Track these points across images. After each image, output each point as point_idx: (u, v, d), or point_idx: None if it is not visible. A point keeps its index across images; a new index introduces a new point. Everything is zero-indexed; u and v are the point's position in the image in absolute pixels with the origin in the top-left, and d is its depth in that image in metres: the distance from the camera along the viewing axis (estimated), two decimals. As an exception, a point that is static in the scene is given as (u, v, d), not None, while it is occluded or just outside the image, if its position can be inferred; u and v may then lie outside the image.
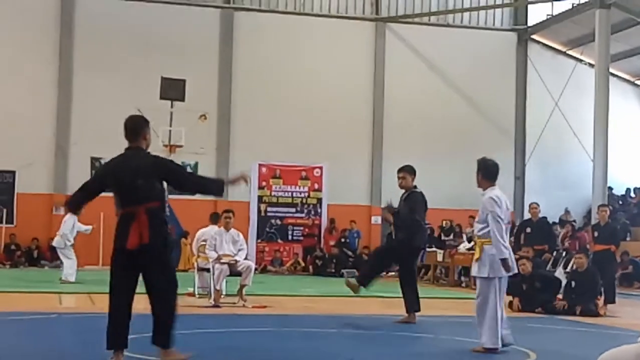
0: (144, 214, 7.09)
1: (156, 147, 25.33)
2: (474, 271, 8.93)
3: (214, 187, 7.85)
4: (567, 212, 29.18)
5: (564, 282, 14.76)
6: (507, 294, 14.67)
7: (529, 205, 18.31)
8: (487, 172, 8.98)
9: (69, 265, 19.11)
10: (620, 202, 30.67)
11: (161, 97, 25.43)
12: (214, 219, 16.16)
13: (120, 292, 7.19)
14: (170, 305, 7.28)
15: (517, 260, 14.92)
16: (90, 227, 20.26)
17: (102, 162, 27.31)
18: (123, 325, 7.11)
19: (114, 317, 7.13)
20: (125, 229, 7.14)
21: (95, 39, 27.96)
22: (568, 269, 17.54)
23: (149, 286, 7.22)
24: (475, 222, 9.25)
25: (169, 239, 7.49)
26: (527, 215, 21.19)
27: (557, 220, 27.17)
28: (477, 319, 8.70)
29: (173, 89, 25.54)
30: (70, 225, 19.35)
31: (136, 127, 7.38)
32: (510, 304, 14.64)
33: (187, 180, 7.61)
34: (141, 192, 7.14)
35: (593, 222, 19.83)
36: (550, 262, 19.12)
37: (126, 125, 7.38)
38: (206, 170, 28.62)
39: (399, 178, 11.89)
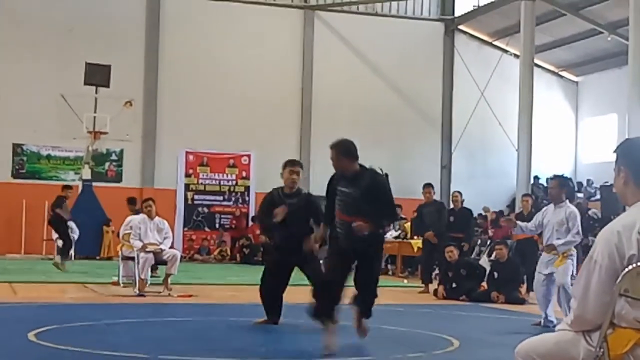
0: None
1: (80, 134, 25.09)
2: None
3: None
4: (485, 210, 28.12)
5: (488, 269, 14.95)
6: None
7: (452, 194, 18.47)
8: None
9: None
10: (545, 192, 31.04)
11: (85, 83, 25.06)
12: (132, 202, 17.38)
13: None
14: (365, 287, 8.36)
15: (444, 248, 15.18)
16: None
17: (24, 148, 27.20)
18: (336, 299, 8.16)
19: (328, 292, 8.20)
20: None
21: (17, 24, 27.30)
22: (492, 257, 17.77)
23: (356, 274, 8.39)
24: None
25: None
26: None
27: (481, 211, 27.17)
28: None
29: (98, 75, 25.20)
30: None
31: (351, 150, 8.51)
32: (435, 291, 14.79)
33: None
34: None
35: (517, 211, 20.10)
36: (475, 251, 19.37)
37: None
38: (132, 157, 28.31)
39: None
